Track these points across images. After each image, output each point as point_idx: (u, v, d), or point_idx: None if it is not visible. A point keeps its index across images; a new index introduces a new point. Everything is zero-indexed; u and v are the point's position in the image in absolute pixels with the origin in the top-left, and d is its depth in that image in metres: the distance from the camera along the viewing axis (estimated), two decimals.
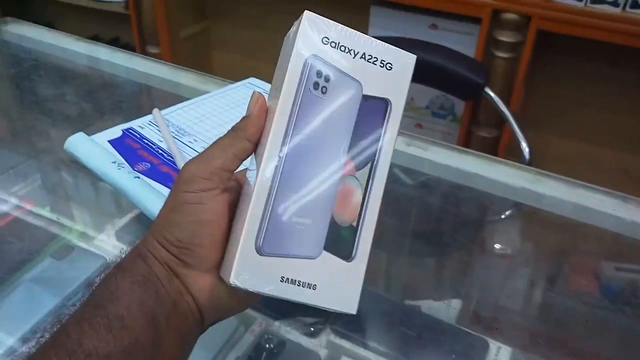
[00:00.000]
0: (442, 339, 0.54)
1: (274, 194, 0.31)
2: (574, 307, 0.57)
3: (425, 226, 0.66)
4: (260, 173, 0.31)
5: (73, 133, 0.59)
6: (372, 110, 0.33)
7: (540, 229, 0.69)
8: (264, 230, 0.31)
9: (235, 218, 0.33)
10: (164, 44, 1.69)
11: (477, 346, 0.52)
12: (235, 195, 0.34)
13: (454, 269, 0.64)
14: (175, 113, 0.66)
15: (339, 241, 0.32)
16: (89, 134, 0.60)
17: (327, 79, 0.32)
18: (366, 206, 0.33)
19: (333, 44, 0.32)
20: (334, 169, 0.32)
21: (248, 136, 0.32)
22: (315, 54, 0.32)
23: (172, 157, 0.58)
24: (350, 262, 0.33)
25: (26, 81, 0.89)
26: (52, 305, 0.54)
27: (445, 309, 0.55)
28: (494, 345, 0.52)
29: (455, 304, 0.56)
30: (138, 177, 0.53)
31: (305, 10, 0.32)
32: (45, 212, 0.67)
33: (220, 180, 0.32)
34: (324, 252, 0.32)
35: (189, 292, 0.32)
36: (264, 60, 1.60)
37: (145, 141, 0.60)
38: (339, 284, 0.32)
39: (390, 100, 0.33)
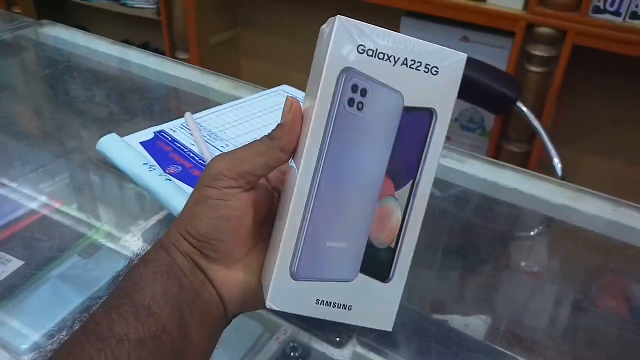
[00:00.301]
0: (470, 355, 0.52)
1: (308, 219, 0.30)
2: (604, 329, 0.55)
3: (457, 240, 0.64)
4: (294, 198, 0.29)
5: (103, 134, 0.59)
6: (415, 122, 0.30)
7: (575, 247, 0.67)
8: (298, 257, 0.30)
9: (275, 225, 0.32)
10: (193, 50, 1.71)
11: None
12: (264, 193, 0.34)
13: (484, 284, 0.62)
14: (207, 117, 0.66)
15: (376, 263, 0.31)
16: (120, 136, 0.60)
17: (363, 93, 0.29)
18: (405, 227, 0.31)
19: (370, 52, 0.29)
20: (371, 191, 0.30)
21: (283, 146, 0.31)
22: (350, 66, 0.29)
23: (203, 161, 0.58)
24: (387, 282, 0.32)
25: (59, 82, 0.90)
26: (78, 302, 0.54)
27: (474, 325, 0.54)
28: None
29: (485, 320, 0.55)
30: (169, 180, 0.53)
31: (338, 15, 0.29)
32: (73, 211, 0.67)
33: (246, 182, 0.32)
34: (360, 275, 0.31)
35: (211, 283, 0.33)
36: (293, 68, 1.61)
37: (177, 144, 0.60)
38: (375, 304, 0.32)
39: (435, 110, 0.30)
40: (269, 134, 0.32)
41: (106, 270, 0.58)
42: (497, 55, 1.34)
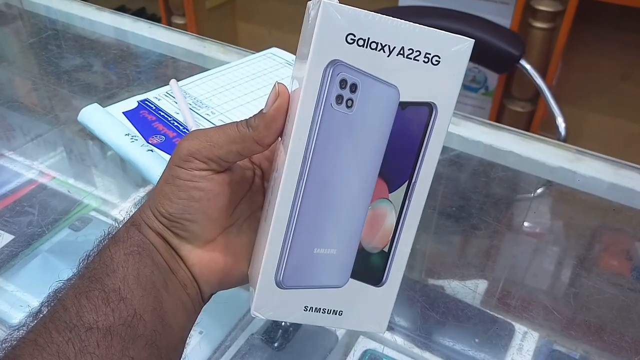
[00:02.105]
0: (465, 322, 0.52)
1: (294, 226, 0.27)
2: (603, 290, 0.54)
3: (453, 205, 0.63)
4: (278, 203, 0.27)
5: (87, 104, 0.58)
6: (412, 119, 0.27)
7: (574, 209, 0.65)
8: (284, 265, 0.28)
9: (264, 214, 0.31)
10: (189, 14, 1.68)
11: (502, 331, 0.50)
12: (240, 172, 0.32)
13: (480, 249, 0.61)
14: (193, 84, 0.64)
15: (368, 268, 0.29)
16: (103, 106, 0.58)
17: (353, 89, 0.26)
18: (400, 231, 0.29)
19: (361, 42, 0.25)
20: (363, 194, 0.28)
21: (259, 139, 0.29)
22: (338, 58, 0.25)
23: (187, 130, 0.56)
24: (380, 287, 0.30)
25: (44, 51, 0.88)
26: (68, 276, 0.54)
27: (471, 290, 0.53)
28: (519, 330, 0.49)
29: (481, 285, 0.54)
30: (152, 151, 0.51)
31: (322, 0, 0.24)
32: (64, 184, 0.66)
33: (217, 165, 0.30)
34: (351, 280, 0.29)
35: (184, 263, 0.32)
36: (290, 31, 1.57)
37: (161, 113, 0.58)
38: (367, 309, 0.30)
39: (435, 105, 0.27)
40: (247, 119, 0.30)
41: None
42: (502, 11, 1.30)
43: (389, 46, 0.25)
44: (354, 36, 0.25)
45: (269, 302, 0.29)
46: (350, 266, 0.29)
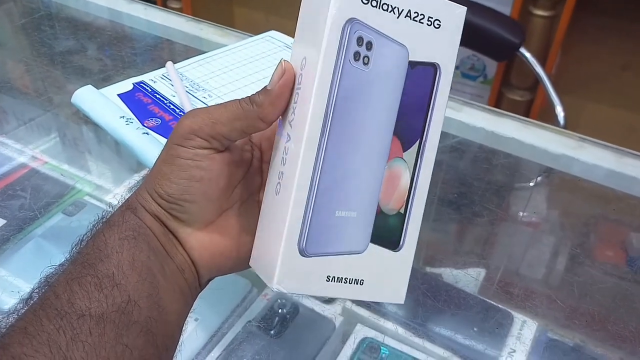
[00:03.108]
0: (463, 310, 0.51)
1: (315, 189, 0.27)
2: (604, 279, 0.54)
3: (454, 192, 0.62)
4: (300, 167, 0.27)
5: (81, 86, 0.57)
6: (420, 78, 0.28)
7: (574, 197, 0.65)
8: (307, 231, 0.28)
9: (267, 195, 0.30)
10: None
11: (501, 319, 0.50)
12: (240, 153, 0.32)
13: (481, 237, 0.61)
14: (189, 67, 0.63)
15: (386, 231, 0.29)
16: (97, 88, 0.57)
17: (369, 47, 0.27)
18: (414, 191, 0.30)
19: (374, 3, 0.27)
20: (380, 153, 0.28)
21: (263, 116, 0.28)
22: (354, 16, 0.26)
23: (183, 113, 0.55)
24: (398, 251, 0.30)
25: (36, 32, 0.87)
26: (62, 261, 0.53)
27: (470, 278, 0.53)
28: (518, 318, 0.49)
29: (481, 273, 0.54)
30: (147, 134, 0.50)
31: None
32: (57, 168, 0.65)
33: (219, 144, 0.30)
34: (371, 245, 0.29)
35: (182, 247, 0.31)
36: (287, 17, 1.55)
37: (157, 96, 0.57)
38: (386, 276, 0.30)
39: (439, 65, 0.29)
40: (251, 96, 0.29)
41: None
42: None
43: (398, 8, 0.27)
44: None
45: (292, 273, 0.28)
46: (370, 229, 0.29)
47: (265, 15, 1.77)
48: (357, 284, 0.29)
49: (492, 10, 1.07)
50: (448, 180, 0.63)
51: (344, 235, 0.29)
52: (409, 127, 0.29)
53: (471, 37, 1.04)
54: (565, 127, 0.93)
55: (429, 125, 0.29)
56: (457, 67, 1.45)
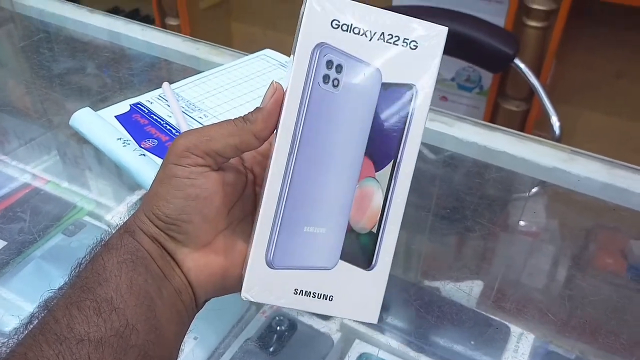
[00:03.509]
0: (460, 324, 0.51)
1: (284, 203, 0.29)
2: (599, 290, 0.55)
3: (448, 206, 0.63)
4: (268, 182, 0.29)
5: (79, 108, 0.58)
6: (394, 99, 0.29)
7: (568, 210, 0.65)
8: (274, 243, 0.29)
9: (255, 216, 0.31)
10: (183, 15, 1.67)
11: (498, 332, 0.50)
12: (234, 174, 0.32)
13: (475, 251, 0.61)
14: (185, 87, 0.64)
15: (357, 250, 0.30)
16: (99, 109, 0.58)
17: (339, 70, 0.28)
18: (387, 210, 0.30)
19: (345, 27, 0.28)
20: (350, 171, 0.29)
21: (256, 132, 0.29)
22: (324, 41, 0.28)
23: (180, 134, 0.56)
24: (370, 270, 0.30)
25: (35, 54, 0.88)
26: (61, 283, 0.53)
27: (466, 292, 0.53)
28: (515, 331, 0.49)
29: (477, 287, 0.54)
30: (144, 155, 0.51)
31: None
32: (57, 188, 0.66)
33: (214, 162, 0.30)
34: (341, 262, 0.30)
35: (180, 268, 0.31)
36: (285, 31, 1.56)
37: (154, 117, 0.58)
38: (358, 294, 0.30)
39: (415, 86, 0.29)
40: (244, 115, 0.30)
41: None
42: (495, 10, 1.30)
43: (370, 31, 0.28)
44: (338, 22, 0.28)
45: (259, 283, 0.29)
46: (340, 246, 0.30)
47: (263, 30, 1.78)
48: (326, 299, 0.30)
49: (486, 22, 1.08)
50: (441, 195, 0.64)
51: (312, 250, 0.29)
52: (382, 148, 0.29)
53: (466, 49, 1.06)
54: (561, 136, 0.94)
55: (404, 146, 0.29)
56: (452, 79, 1.45)
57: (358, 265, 0.30)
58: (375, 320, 0.30)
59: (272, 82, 0.29)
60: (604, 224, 0.63)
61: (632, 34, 1.26)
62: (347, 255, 0.30)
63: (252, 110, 0.30)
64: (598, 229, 0.63)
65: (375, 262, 0.30)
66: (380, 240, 0.30)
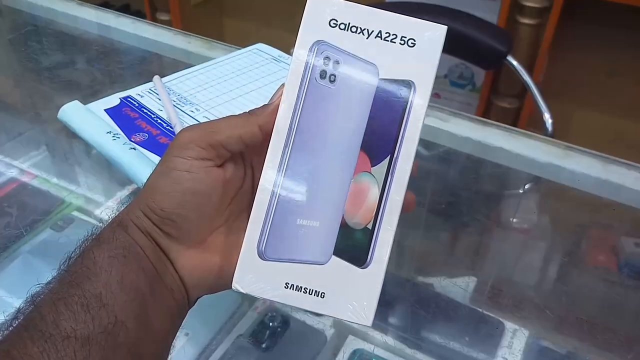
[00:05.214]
0: (455, 319, 0.51)
1: (277, 195, 0.29)
2: (593, 286, 0.54)
3: (442, 202, 0.63)
4: (263, 172, 0.29)
5: (68, 101, 0.57)
6: (392, 95, 0.29)
7: (562, 206, 0.65)
8: (266, 234, 0.29)
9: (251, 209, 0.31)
10: (174, 10, 1.65)
11: (492, 328, 0.50)
12: (235, 171, 0.31)
13: (470, 246, 0.61)
14: (177, 80, 0.63)
15: (351, 246, 0.29)
16: (84, 103, 0.57)
17: (336, 66, 0.29)
18: (383, 206, 0.29)
19: (342, 26, 0.29)
20: (345, 165, 0.29)
21: (261, 124, 0.30)
22: (322, 39, 0.29)
23: (171, 128, 0.55)
24: (364, 268, 0.29)
25: (23, 47, 0.86)
26: (49, 278, 0.52)
27: (460, 287, 0.53)
28: (509, 327, 0.49)
29: (471, 282, 0.54)
30: (134, 149, 0.50)
31: None
32: (46, 183, 0.65)
33: (217, 155, 0.30)
34: (334, 258, 0.29)
35: (172, 266, 0.30)
36: (277, 27, 1.56)
37: (144, 110, 0.57)
38: (351, 293, 0.29)
39: (413, 82, 0.29)
40: (250, 110, 0.30)
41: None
42: (488, 7, 1.30)
43: (367, 30, 0.29)
44: (336, 21, 0.29)
45: (250, 275, 0.29)
46: (333, 241, 0.29)
47: (256, 26, 1.77)
48: (317, 295, 0.29)
49: (479, 19, 1.08)
50: (436, 191, 0.64)
51: (305, 243, 0.29)
52: (378, 144, 0.29)
53: (459, 45, 1.06)
54: (554, 133, 0.94)
55: (401, 142, 0.29)
56: (445, 76, 1.46)
57: (352, 263, 0.29)
58: (369, 323, 0.29)
59: (282, 85, 0.30)
60: (599, 220, 0.63)
61: (625, 32, 1.26)
62: (341, 252, 0.29)
63: (259, 107, 0.30)
64: (593, 225, 0.63)
65: (370, 260, 0.29)
66: (375, 238, 0.29)
